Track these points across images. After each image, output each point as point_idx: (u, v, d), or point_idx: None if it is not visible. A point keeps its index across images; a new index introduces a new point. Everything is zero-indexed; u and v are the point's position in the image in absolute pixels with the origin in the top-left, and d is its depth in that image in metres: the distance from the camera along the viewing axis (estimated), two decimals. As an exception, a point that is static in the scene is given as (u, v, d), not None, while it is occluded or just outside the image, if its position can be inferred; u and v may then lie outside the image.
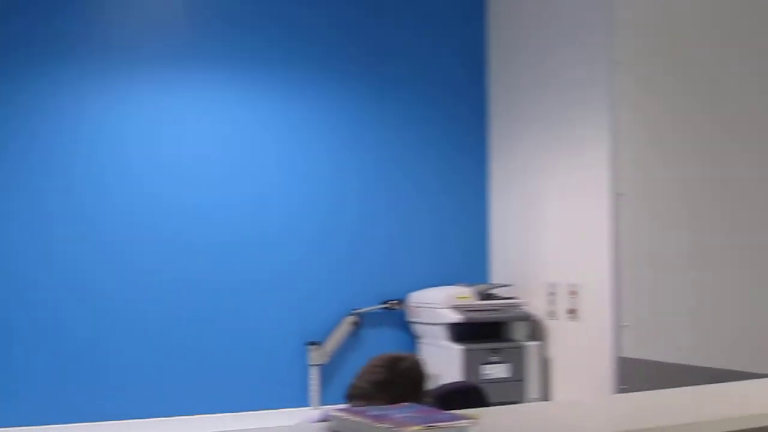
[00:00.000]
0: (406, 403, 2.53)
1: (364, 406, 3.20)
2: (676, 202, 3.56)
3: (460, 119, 7.31)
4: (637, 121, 3.76)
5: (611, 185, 3.92)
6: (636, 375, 3.68)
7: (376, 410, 2.28)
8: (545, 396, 6.60)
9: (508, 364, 6.52)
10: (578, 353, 6.36)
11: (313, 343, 6.71)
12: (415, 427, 2.09)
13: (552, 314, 6.62)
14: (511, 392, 6.33)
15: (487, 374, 6.41)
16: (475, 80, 7.36)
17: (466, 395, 4.25)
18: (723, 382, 3.12)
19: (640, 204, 3.72)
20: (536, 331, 6.72)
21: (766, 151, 3.19)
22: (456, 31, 7.35)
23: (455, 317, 6.50)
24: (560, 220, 6.59)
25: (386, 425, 2.12)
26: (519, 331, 6.70)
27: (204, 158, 6.59)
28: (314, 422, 2.53)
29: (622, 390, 3.66)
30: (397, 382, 3.42)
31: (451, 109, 7.29)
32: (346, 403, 3.52)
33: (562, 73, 6.56)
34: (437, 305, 6.63)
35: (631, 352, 3.73)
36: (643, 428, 2.31)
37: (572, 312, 6.41)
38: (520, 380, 6.54)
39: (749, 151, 3.25)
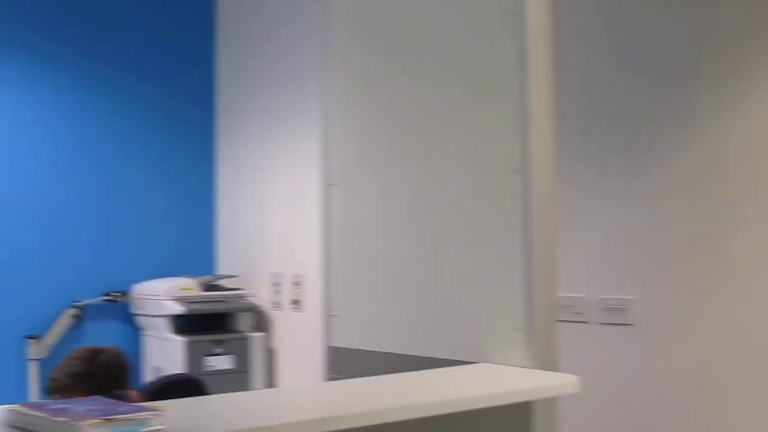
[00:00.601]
0: (94, 396, 2.49)
1: (62, 399, 3.13)
2: (384, 194, 3.66)
3: (185, 105, 7.22)
4: (349, 112, 3.84)
5: (322, 175, 3.98)
6: (346, 364, 3.76)
7: (56, 404, 2.24)
8: (270, 386, 6.65)
9: (232, 355, 6.53)
10: (301, 343, 6.45)
11: (32, 337, 6.49)
12: (93, 420, 2.07)
13: (277, 305, 6.68)
14: (236, 384, 6.33)
15: (210, 366, 6.40)
16: (203, 62, 7.30)
17: (185, 387, 4.23)
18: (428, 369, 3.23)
19: (350, 194, 3.79)
20: (261, 322, 6.77)
21: (478, 143, 3.33)
22: (182, 16, 7.24)
23: (178, 309, 6.45)
24: (283, 210, 6.68)
25: (63, 419, 2.09)
26: (244, 322, 6.72)
27: None
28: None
29: (332, 378, 3.73)
30: (97, 374, 3.38)
31: (176, 93, 7.16)
32: (46, 396, 3.45)
33: (282, 60, 6.65)
34: (160, 297, 6.55)
35: (340, 342, 3.81)
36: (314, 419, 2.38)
37: (296, 302, 6.49)
38: (245, 371, 6.57)
39: (458, 144, 3.39)
